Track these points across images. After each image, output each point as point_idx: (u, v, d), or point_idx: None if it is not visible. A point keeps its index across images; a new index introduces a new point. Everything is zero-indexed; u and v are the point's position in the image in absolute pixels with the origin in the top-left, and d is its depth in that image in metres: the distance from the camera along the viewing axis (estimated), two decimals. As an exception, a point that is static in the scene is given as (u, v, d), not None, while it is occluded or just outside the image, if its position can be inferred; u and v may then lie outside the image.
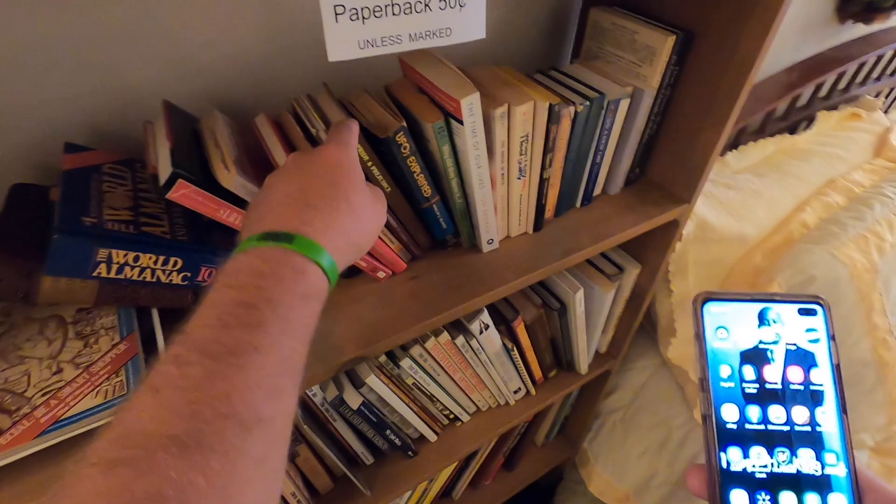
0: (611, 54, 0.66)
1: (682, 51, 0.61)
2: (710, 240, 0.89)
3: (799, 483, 0.25)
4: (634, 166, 0.71)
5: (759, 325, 0.27)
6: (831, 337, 0.27)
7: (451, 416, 0.84)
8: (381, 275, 0.58)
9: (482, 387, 0.81)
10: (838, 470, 0.26)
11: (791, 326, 0.28)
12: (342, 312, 0.54)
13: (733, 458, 0.26)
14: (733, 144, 1.09)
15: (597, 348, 0.96)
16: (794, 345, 0.27)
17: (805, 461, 0.26)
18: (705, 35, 0.61)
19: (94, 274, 0.41)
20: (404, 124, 0.45)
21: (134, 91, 0.53)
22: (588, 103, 0.57)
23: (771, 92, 1.10)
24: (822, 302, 0.28)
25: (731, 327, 0.28)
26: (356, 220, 0.37)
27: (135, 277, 0.43)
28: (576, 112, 0.57)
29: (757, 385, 0.27)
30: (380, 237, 0.55)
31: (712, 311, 0.28)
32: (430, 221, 0.56)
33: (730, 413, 0.26)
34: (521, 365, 0.82)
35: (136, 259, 0.42)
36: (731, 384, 0.27)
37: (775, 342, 0.27)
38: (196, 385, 0.24)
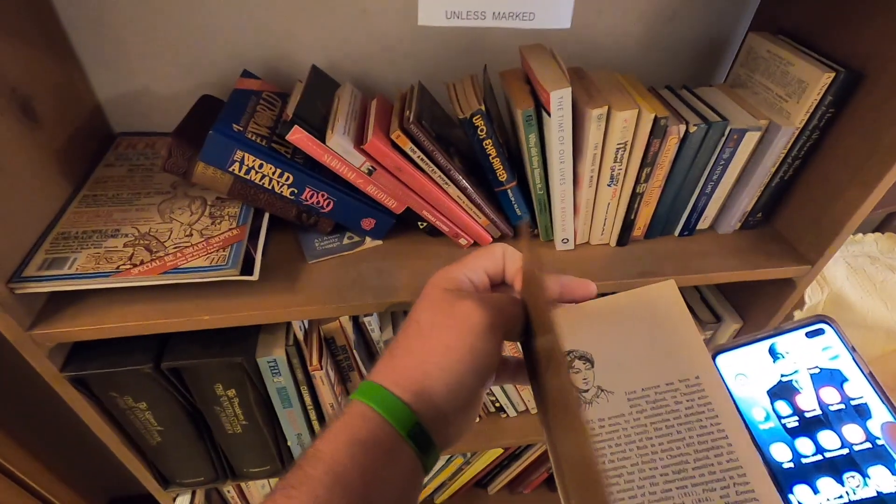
0: (758, 84, 0.61)
1: (842, 92, 0.54)
2: (844, 320, 0.76)
3: None
4: (757, 210, 0.65)
5: (774, 361, 0.27)
6: (851, 349, 0.26)
7: (498, 405, 0.86)
8: (462, 241, 0.63)
9: (533, 386, 0.82)
10: None
11: (804, 352, 0.27)
12: (411, 264, 0.61)
13: (803, 497, 0.25)
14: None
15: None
16: (816, 367, 0.26)
17: (881, 480, 0.24)
18: (878, 78, 0.53)
19: (230, 169, 0.53)
20: (482, 108, 0.49)
21: (303, 50, 0.66)
22: (705, 126, 0.54)
23: None
24: (826, 319, 0.27)
25: (748, 372, 0.27)
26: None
27: (257, 181, 0.54)
28: (686, 132, 0.54)
29: (796, 417, 0.26)
30: (464, 209, 0.59)
31: (723, 362, 0.28)
32: (505, 205, 0.59)
33: (781, 453, 0.26)
34: (578, 380, 0.80)
35: (261, 166, 0.53)
36: (771, 424, 0.26)
37: (796, 371, 0.27)
38: None
